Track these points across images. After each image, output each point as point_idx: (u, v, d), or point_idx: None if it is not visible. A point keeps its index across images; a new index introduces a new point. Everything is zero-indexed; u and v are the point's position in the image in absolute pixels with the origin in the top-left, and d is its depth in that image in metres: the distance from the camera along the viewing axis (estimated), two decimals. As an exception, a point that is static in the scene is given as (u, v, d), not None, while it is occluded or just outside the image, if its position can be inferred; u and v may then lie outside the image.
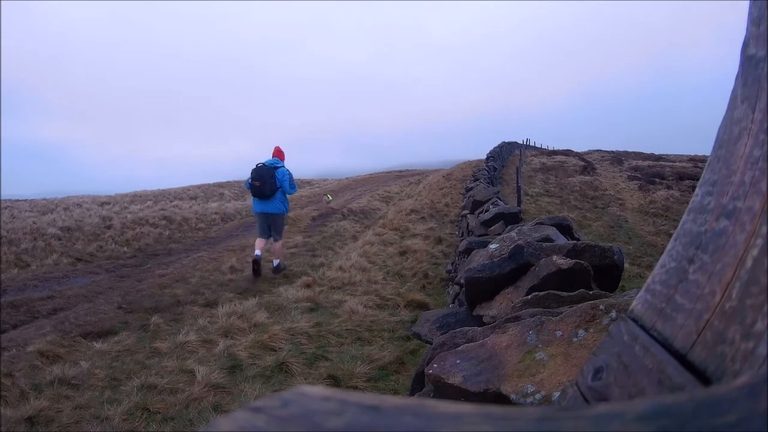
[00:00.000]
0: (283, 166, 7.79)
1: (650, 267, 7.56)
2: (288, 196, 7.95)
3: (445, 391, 1.45)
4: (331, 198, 12.47)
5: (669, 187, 18.52)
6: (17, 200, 23.38)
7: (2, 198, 22.62)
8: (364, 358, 4.77)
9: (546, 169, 21.65)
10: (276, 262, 8.09)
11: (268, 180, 7.45)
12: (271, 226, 7.90)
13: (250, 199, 10.15)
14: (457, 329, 1.88)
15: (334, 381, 4.32)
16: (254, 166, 7.63)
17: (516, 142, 35.75)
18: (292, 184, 7.81)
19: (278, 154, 7.88)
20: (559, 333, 1.40)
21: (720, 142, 0.63)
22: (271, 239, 8.08)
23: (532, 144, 42.66)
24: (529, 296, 1.94)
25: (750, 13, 0.59)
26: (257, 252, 7.79)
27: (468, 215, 7.70)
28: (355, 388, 4.18)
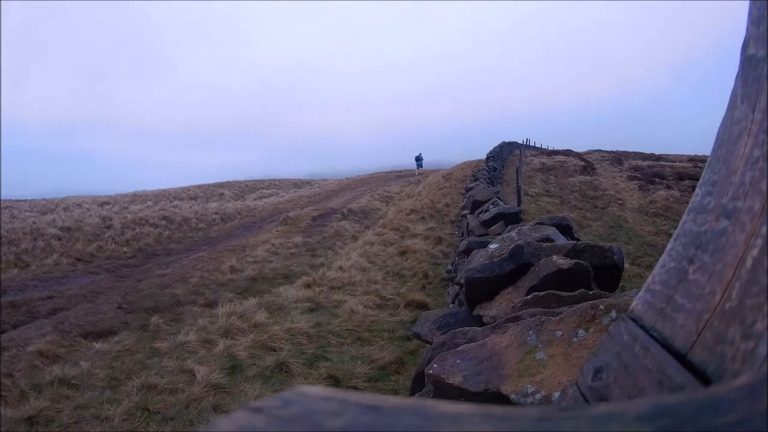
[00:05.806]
0: (421, 154, 33.40)
1: (650, 267, 7.55)
2: (422, 163, 33.68)
3: (445, 391, 1.45)
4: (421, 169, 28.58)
5: (669, 187, 18.50)
6: (17, 200, 23.37)
7: (2, 198, 22.63)
8: (364, 358, 4.77)
9: (546, 169, 21.64)
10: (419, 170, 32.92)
11: (420, 158, 33.10)
12: (418, 168, 32.98)
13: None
14: (457, 329, 1.88)
15: (334, 381, 4.32)
16: (416, 154, 33.59)
17: (516, 142, 35.69)
18: (422, 158, 33.37)
19: (421, 153, 34.13)
20: (559, 333, 1.40)
21: (720, 142, 0.63)
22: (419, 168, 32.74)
23: (532, 144, 42.56)
24: (529, 296, 1.94)
25: (750, 13, 0.59)
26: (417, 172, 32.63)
27: (468, 215, 7.69)
28: (355, 388, 4.18)
